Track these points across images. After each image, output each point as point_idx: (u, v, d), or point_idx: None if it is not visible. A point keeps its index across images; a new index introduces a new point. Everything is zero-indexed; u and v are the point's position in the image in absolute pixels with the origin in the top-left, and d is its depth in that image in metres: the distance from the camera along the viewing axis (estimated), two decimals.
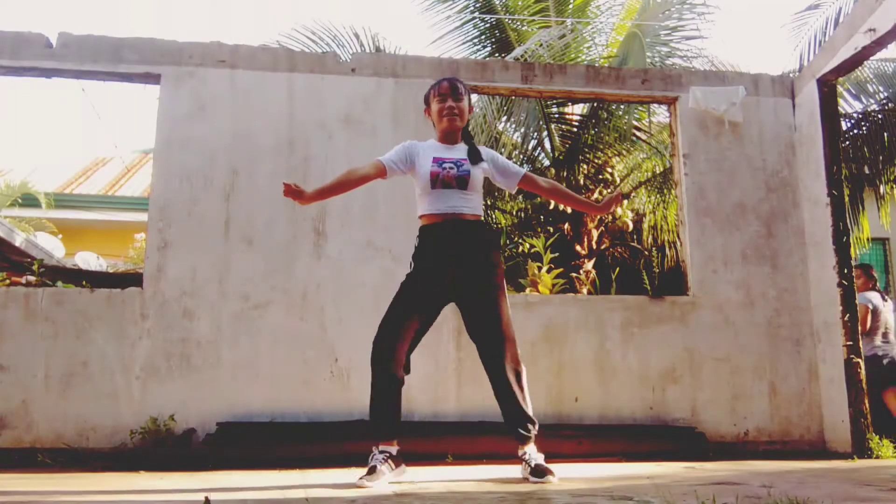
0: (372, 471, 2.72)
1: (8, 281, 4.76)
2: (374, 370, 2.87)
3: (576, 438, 3.97)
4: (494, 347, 2.95)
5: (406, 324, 2.89)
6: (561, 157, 7.33)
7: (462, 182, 2.94)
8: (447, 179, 2.94)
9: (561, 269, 5.12)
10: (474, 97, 6.95)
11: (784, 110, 4.86)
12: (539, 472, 2.80)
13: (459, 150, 3.05)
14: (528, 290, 4.97)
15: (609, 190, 7.55)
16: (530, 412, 2.96)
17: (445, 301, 3.03)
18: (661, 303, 4.48)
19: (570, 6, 8.09)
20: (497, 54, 7.92)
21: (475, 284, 2.96)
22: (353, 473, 3.18)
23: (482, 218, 3.05)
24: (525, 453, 2.91)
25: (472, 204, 2.99)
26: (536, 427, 2.96)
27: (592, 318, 4.39)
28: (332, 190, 3.01)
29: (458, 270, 2.93)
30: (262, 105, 4.38)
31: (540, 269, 5.02)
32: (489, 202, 7.88)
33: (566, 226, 7.21)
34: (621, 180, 7.69)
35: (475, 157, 3.03)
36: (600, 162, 7.46)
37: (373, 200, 4.32)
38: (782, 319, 4.56)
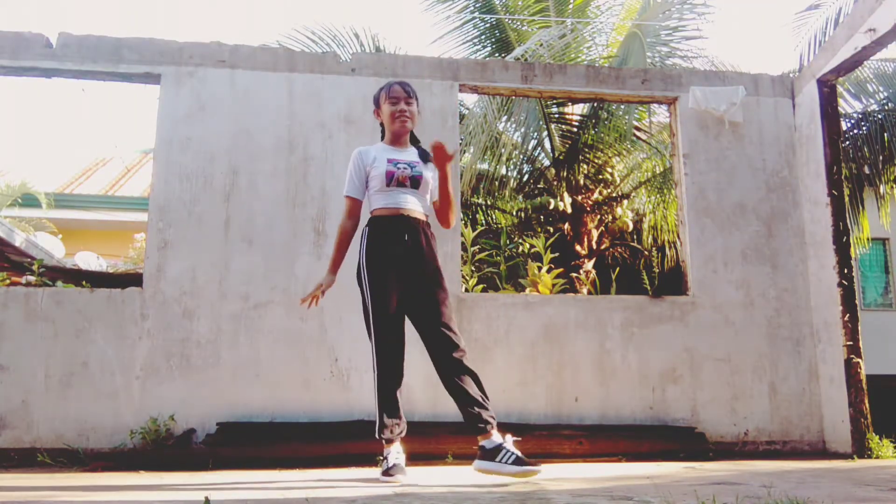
0: (398, 469, 2.88)
1: (8, 281, 4.75)
2: (385, 400, 2.98)
3: (576, 438, 3.97)
4: (443, 346, 2.94)
5: (401, 351, 3.01)
6: (561, 157, 7.34)
7: (415, 182, 3.07)
8: (402, 179, 3.04)
9: (561, 269, 5.12)
10: (474, 97, 6.98)
11: (784, 110, 4.86)
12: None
13: (411, 153, 3.17)
14: (528, 290, 4.97)
15: (609, 190, 7.55)
16: (488, 406, 2.94)
17: (403, 300, 3.03)
18: (661, 303, 4.48)
19: (570, 6, 8.09)
20: (497, 54, 7.93)
21: (423, 284, 3.00)
22: (353, 473, 3.20)
23: (428, 220, 3.15)
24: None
25: (423, 204, 3.11)
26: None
27: (592, 318, 4.39)
28: (341, 255, 3.10)
29: (404, 269, 2.98)
30: (262, 105, 4.38)
31: (540, 269, 5.02)
32: (489, 202, 7.89)
33: (566, 226, 7.21)
34: (621, 180, 7.69)
35: (426, 158, 3.15)
36: (600, 162, 7.46)
37: None
38: (782, 319, 4.56)
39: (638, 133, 7.61)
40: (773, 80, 4.92)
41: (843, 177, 4.56)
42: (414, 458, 3.54)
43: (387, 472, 2.88)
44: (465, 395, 2.88)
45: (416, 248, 3.01)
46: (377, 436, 2.99)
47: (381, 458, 3.02)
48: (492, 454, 2.80)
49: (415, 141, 3.27)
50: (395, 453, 2.96)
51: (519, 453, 2.79)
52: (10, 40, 4.23)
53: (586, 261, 7.04)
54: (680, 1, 7.40)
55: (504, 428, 3.96)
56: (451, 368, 2.92)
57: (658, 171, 7.61)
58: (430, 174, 3.14)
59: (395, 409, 3.00)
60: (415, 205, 3.07)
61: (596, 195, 7.42)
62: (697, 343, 4.45)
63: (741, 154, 4.74)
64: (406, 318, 3.05)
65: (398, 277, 2.98)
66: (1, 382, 3.86)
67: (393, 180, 3.03)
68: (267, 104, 4.39)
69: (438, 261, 3.10)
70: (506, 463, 2.75)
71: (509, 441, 2.86)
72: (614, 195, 7.53)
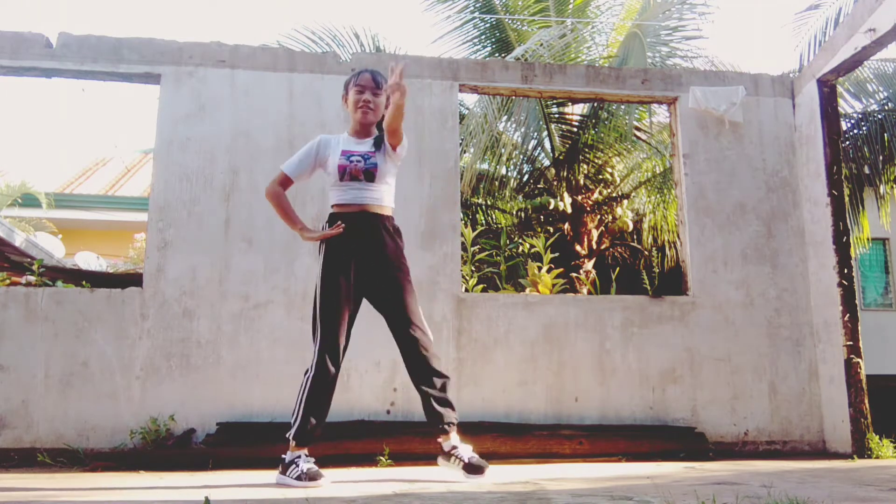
0: (317, 475, 2.77)
1: (8, 281, 4.75)
2: (319, 379, 2.91)
3: (576, 438, 3.97)
4: (413, 346, 2.97)
5: (346, 329, 2.93)
6: (561, 157, 7.34)
7: (369, 175, 2.97)
8: (354, 173, 2.96)
9: (561, 269, 5.12)
10: (474, 97, 6.98)
11: (784, 110, 4.86)
12: (474, 469, 2.84)
13: (369, 144, 3.05)
14: (528, 290, 4.97)
15: (609, 190, 7.55)
16: (451, 408, 3.00)
17: (361, 294, 3.00)
18: (661, 303, 4.48)
19: (570, 6, 8.09)
20: (497, 54, 7.93)
21: (383, 277, 2.97)
22: (353, 473, 3.19)
23: (391, 209, 3.05)
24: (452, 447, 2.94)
25: (378, 196, 3.00)
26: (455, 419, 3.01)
27: (592, 318, 4.39)
28: (288, 213, 3.10)
29: (364, 263, 2.94)
30: (262, 105, 4.38)
31: (540, 269, 5.02)
32: (489, 202, 7.89)
33: (566, 226, 7.21)
34: (621, 180, 7.69)
35: (379, 143, 3.03)
36: (600, 162, 7.46)
37: None
38: (782, 319, 4.55)
39: (638, 133, 7.61)
40: (773, 80, 4.92)
41: (843, 177, 4.56)
42: (414, 459, 3.56)
43: (307, 476, 2.74)
44: (428, 397, 2.95)
45: (378, 245, 2.95)
46: (291, 437, 2.89)
47: (291, 461, 2.84)
48: (447, 455, 2.95)
49: (380, 130, 3.10)
50: (306, 458, 2.86)
51: (467, 458, 2.88)
52: (10, 40, 4.23)
53: (586, 261, 7.04)
54: (680, 1, 7.40)
55: (504, 428, 3.99)
56: (419, 368, 2.96)
57: (658, 171, 7.61)
58: (386, 164, 3.01)
59: (321, 413, 2.93)
60: (373, 199, 2.98)
61: (596, 195, 7.42)
62: (697, 343, 4.45)
63: (741, 154, 4.74)
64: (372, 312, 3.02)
65: (358, 277, 2.93)
66: (1, 382, 3.86)
67: (346, 174, 2.95)
68: (267, 104, 4.39)
69: (404, 255, 3.03)
70: (456, 466, 2.90)
71: (463, 447, 2.95)
72: (614, 195, 7.53)
